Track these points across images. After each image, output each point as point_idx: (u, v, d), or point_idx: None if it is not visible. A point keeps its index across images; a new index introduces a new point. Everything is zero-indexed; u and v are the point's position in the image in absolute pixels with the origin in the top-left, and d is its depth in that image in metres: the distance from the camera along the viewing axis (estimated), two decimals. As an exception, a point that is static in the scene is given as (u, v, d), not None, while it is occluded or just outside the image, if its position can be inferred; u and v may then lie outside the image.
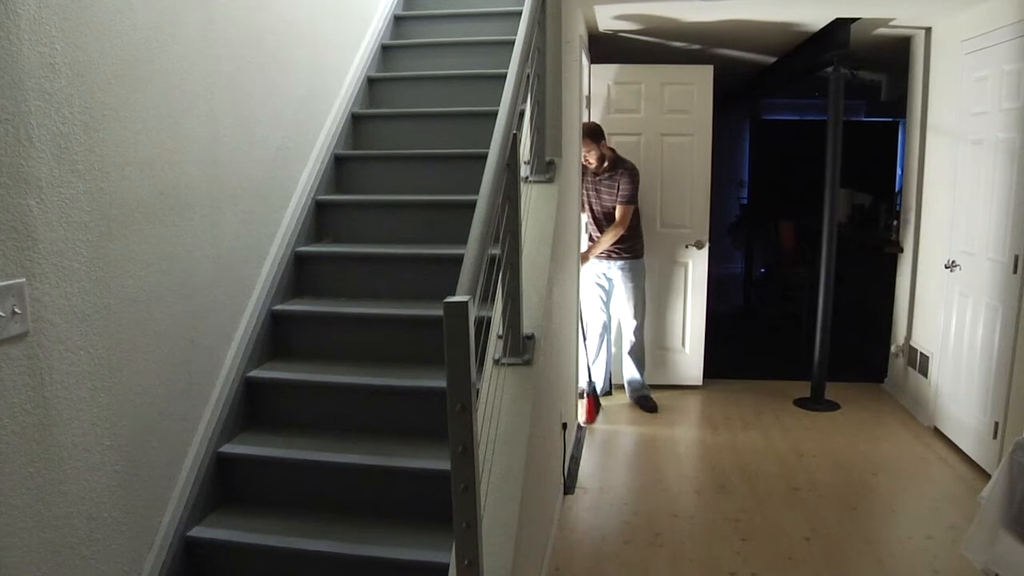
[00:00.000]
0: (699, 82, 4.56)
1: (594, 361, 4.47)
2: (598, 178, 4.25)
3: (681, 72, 4.61)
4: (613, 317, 4.56)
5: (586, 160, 4.17)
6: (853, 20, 4.04)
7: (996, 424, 3.37)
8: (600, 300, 4.46)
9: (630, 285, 4.36)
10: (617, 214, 4.22)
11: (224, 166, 2.42)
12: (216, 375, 2.42)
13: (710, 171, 4.65)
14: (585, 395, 4.29)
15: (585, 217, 4.42)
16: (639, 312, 4.40)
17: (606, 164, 4.20)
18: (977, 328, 3.61)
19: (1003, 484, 2.29)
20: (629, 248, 4.32)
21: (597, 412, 4.33)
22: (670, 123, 4.61)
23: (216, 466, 2.35)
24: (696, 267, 4.70)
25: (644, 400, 4.47)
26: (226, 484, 2.38)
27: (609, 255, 4.33)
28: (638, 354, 4.47)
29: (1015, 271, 3.26)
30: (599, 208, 4.31)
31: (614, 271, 4.37)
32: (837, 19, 4.07)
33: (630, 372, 4.51)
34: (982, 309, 3.57)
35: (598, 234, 4.33)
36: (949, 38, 4.00)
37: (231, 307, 2.51)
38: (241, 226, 2.55)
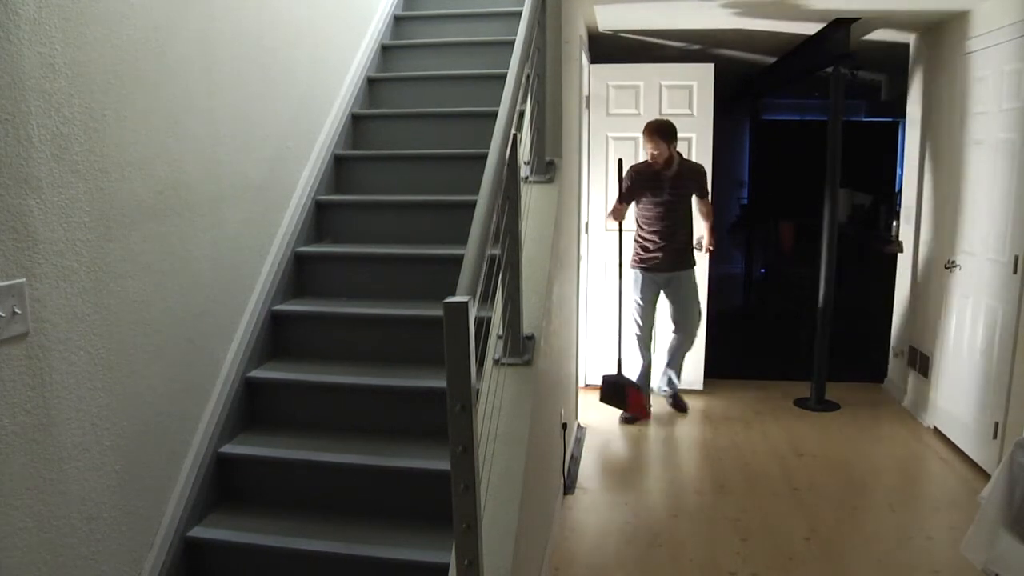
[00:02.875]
0: (700, 80, 4.55)
1: (644, 362, 4.43)
2: (664, 176, 4.13)
3: (681, 71, 4.60)
4: (655, 323, 4.47)
5: (652, 158, 4.10)
6: (853, 20, 4.03)
7: (996, 424, 3.37)
8: (651, 305, 4.35)
9: (692, 293, 4.34)
10: (705, 209, 4.34)
11: (224, 166, 2.42)
12: (216, 375, 2.42)
13: (710, 171, 4.64)
14: (644, 393, 4.34)
15: (608, 213, 4.35)
16: (697, 319, 4.40)
17: (675, 167, 4.14)
18: (977, 328, 3.61)
19: (1003, 484, 2.29)
20: (691, 258, 4.32)
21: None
22: (670, 123, 4.60)
23: (216, 466, 2.35)
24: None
25: (676, 399, 4.51)
26: (226, 484, 2.38)
27: (674, 266, 4.23)
28: (679, 358, 4.46)
29: (1015, 271, 3.26)
30: (656, 205, 4.16)
31: (678, 280, 4.28)
32: (837, 19, 4.07)
33: (670, 375, 4.49)
34: (982, 309, 3.57)
35: (653, 230, 4.17)
36: (949, 38, 4.00)
37: (231, 307, 2.51)
38: (241, 226, 2.55)
